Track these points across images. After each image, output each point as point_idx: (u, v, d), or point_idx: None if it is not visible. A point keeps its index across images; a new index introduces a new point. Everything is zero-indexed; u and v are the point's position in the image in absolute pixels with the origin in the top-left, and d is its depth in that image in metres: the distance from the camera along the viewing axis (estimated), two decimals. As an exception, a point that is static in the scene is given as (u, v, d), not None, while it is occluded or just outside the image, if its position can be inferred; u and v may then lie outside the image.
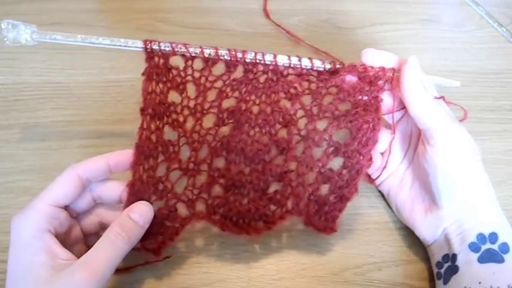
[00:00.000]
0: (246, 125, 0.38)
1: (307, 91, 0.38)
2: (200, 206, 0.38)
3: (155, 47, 0.35)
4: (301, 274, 0.41)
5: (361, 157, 0.38)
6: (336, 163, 0.39)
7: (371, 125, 0.38)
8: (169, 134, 0.37)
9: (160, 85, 0.36)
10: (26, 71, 0.53)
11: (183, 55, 0.36)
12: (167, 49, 0.35)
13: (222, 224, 0.38)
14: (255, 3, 0.62)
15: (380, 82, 0.37)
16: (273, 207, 0.38)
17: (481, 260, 0.35)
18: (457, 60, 0.57)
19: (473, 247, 0.36)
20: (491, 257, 0.35)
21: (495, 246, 0.35)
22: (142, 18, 0.59)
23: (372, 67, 0.37)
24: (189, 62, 0.36)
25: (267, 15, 0.60)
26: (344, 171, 0.39)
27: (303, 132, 0.38)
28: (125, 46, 0.35)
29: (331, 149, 0.39)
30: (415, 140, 0.41)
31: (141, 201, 0.36)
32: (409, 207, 0.41)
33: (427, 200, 0.39)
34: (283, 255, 0.42)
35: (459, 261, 0.36)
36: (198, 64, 0.36)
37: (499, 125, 0.52)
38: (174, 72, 0.36)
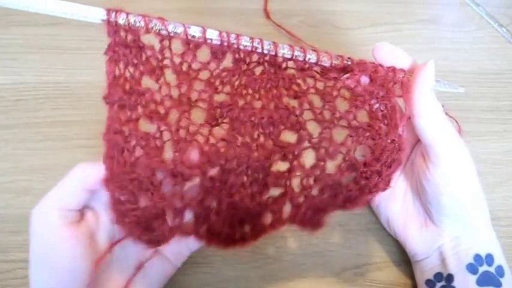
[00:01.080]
0: (248, 124, 0.30)
1: (312, 90, 0.32)
2: (188, 216, 0.32)
3: (121, 20, 0.27)
4: (301, 274, 0.41)
5: (380, 179, 0.33)
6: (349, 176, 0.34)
7: (396, 144, 0.32)
8: (146, 126, 0.30)
9: (131, 68, 0.28)
10: (26, 71, 0.53)
11: (158, 33, 0.28)
12: (138, 24, 0.27)
13: (208, 238, 0.33)
14: (255, 4, 0.62)
15: (389, 85, 0.32)
16: (265, 213, 0.33)
17: (480, 283, 0.34)
18: (457, 61, 0.57)
19: (471, 268, 0.35)
20: (489, 280, 0.34)
21: (492, 269, 0.34)
22: (142, 19, 0.59)
23: (382, 66, 0.32)
24: (166, 43, 0.29)
25: (267, 16, 0.60)
26: (354, 187, 0.33)
27: (314, 140, 0.32)
28: (79, 16, 0.27)
29: (347, 164, 0.33)
30: (408, 148, 0.39)
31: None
32: (403, 221, 0.39)
33: (422, 214, 0.38)
34: (283, 255, 0.42)
35: (456, 283, 0.35)
36: (177, 46, 0.29)
37: (499, 125, 0.52)
38: (148, 52, 0.29)
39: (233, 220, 0.33)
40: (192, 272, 0.40)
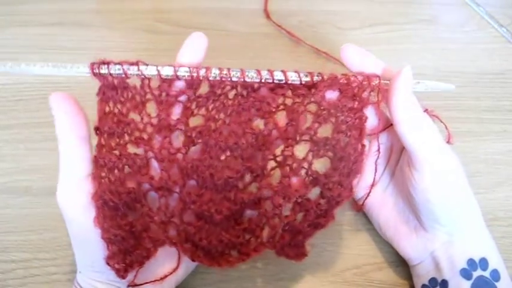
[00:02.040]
0: (215, 148, 0.33)
1: (281, 107, 0.33)
2: (173, 231, 0.34)
3: (103, 71, 0.31)
4: (301, 274, 0.41)
5: (342, 189, 0.34)
6: (315, 191, 0.35)
7: (353, 156, 0.34)
8: (134, 149, 0.34)
9: (119, 106, 0.32)
10: (27, 71, 0.53)
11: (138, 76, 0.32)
12: (118, 72, 0.31)
13: (192, 254, 0.35)
14: (255, 4, 0.62)
15: (364, 94, 0.33)
16: (247, 236, 0.35)
17: None
18: (457, 61, 0.57)
19: (465, 274, 0.34)
20: (484, 285, 0.33)
21: (486, 274, 0.34)
22: (142, 18, 0.59)
23: (356, 77, 0.33)
24: (146, 81, 0.32)
25: (268, 16, 0.60)
26: (322, 201, 0.35)
27: (279, 158, 0.34)
28: (67, 73, 0.32)
29: (310, 178, 0.34)
30: (396, 154, 0.39)
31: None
32: (393, 227, 0.39)
33: (412, 220, 0.37)
34: (283, 255, 0.42)
35: None
36: (156, 82, 0.33)
37: (499, 125, 0.52)
38: (133, 91, 0.32)
39: (213, 237, 0.34)
40: (192, 272, 0.40)
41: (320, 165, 0.35)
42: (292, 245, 0.36)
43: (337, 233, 0.40)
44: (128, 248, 0.33)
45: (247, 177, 0.34)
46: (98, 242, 0.32)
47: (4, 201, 0.44)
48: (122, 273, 0.33)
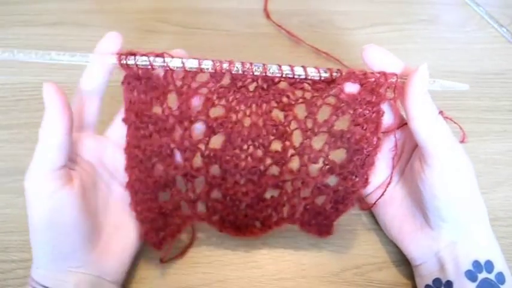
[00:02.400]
0: (238, 139, 0.36)
1: (301, 100, 0.35)
2: (201, 207, 0.39)
3: (131, 62, 0.32)
4: (301, 274, 0.41)
5: (357, 179, 0.36)
6: (333, 178, 0.37)
7: (368, 149, 0.35)
8: (158, 140, 0.36)
9: (142, 95, 0.34)
10: (26, 71, 0.53)
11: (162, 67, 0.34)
12: (144, 63, 0.32)
13: (220, 226, 0.39)
14: (255, 4, 0.62)
15: (381, 90, 0.34)
16: (269, 211, 0.39)
17: None
18: (457, 61, 0.57)
19: (470, 275, 0.34)
20: (489, 287, 0.34)
21: (492, 276, 0.34)
22: (142, 18, 0.60)
23: (373, 73, 0.33)
24: (169, 72, 0.33)
25: (268, 16, 0.60)
26: (340, 188, 0.37)
27: (298, 148, 0.36)
28: (95, 62, 0.33)
29: (327, 167, 0.37)
30: (408, 153, 0.38)
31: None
32: (399, 225, 0.39)
33: (418, 218, 0.37)
34: (283, 255, 0.42)
35: None
36: (179, 73, 0.34)
37: (499, 125, 0.52)
38: (156, 81, 0.34)
39: (239, 212, 0.38)
40: (192, 272, 0.40)
41: (337, 155, 0.36)
42: (315, 223, 0.39)
43: (337, 233, 0.40)
44: (158, 227, 0.37)
45: (269, 161, 0.37)
46: (60, 229, 0.32)
47: (4, 201, 0.44)
48: (157, 245, 0.37)
